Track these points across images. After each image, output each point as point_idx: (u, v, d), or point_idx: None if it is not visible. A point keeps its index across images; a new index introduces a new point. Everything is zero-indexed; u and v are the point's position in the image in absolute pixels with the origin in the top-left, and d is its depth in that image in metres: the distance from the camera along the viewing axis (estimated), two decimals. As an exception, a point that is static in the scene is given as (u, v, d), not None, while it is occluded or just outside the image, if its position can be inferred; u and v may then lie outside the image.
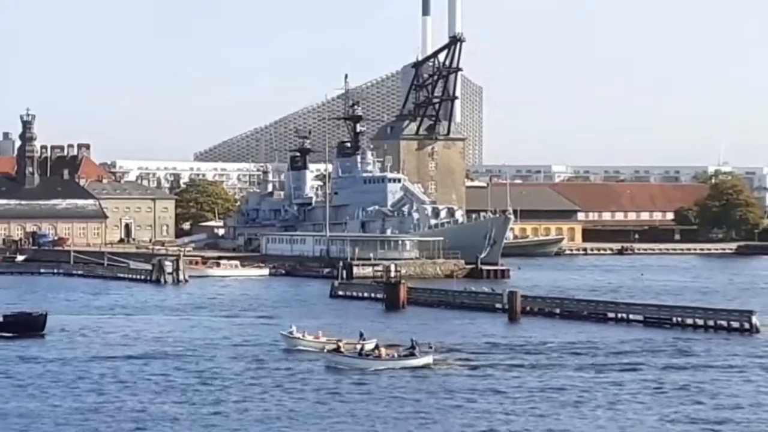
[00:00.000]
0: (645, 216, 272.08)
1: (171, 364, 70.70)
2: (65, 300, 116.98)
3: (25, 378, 65.98)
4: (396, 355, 69.30)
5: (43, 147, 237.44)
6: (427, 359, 68.66)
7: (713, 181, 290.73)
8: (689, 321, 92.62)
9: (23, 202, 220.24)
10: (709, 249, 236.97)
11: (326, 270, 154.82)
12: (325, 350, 73.08)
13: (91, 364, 70.85)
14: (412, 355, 68.75)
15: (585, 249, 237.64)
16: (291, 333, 79.40)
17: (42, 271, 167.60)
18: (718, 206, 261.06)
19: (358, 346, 70.58)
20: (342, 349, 70.77)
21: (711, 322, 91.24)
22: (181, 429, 51.64)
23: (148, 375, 66.42)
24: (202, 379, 65.08)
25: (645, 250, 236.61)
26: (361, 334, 73.26)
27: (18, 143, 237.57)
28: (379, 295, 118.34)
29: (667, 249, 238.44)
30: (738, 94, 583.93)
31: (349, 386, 63.05)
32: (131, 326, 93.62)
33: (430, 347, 70.34)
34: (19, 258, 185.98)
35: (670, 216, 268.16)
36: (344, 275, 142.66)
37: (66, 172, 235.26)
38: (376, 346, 70.20)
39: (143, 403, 57.65)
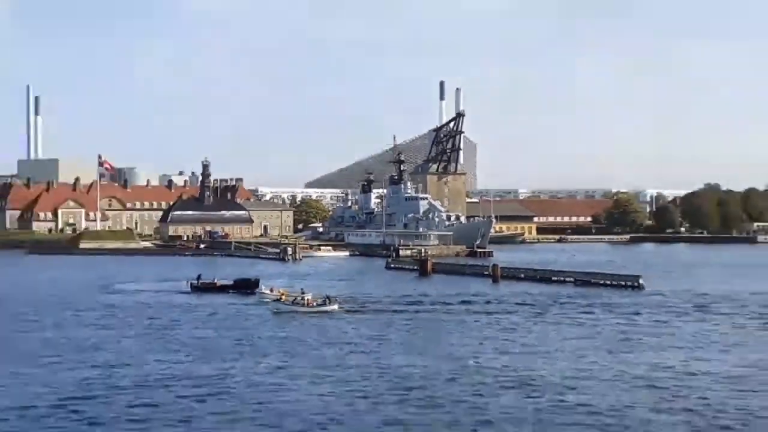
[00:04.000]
0: (574, 219, 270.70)
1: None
2: (231, 271, 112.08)
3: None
4: (315, 303, 67.63)
5: (215, 179, 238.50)
6: (334, 307, 67.21)
7: (615, 197, 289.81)
8: (602, 281, 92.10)
9: (203, 213, 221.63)
10: (613, 239, 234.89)
11: (384, 252, 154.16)
12: (270, 300, 70.42)
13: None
14: (325, 303, 67.52)
15: (538, 239, 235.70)
16: (261, 290, 75.89)
17: (215, 253, 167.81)
18: (618, 212, 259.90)
19: (296, 297, 68.68)
20: (282, 299, 69.18)
21: (615, 282, 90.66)
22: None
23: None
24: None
25: (574, 239, 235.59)
26: (302, 290, 71.53)
27: (200, 178, 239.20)
28: (415, 267, 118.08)
29: (588, 239, 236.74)
30: (632, 138, 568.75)
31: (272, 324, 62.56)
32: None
33: (337, 300, 69.00)
34: (202, 246, 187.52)
35: (589, 219, 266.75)
36: (394, 255, 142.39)
37: (229, 194, 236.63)
38: (300, 297, 68.23)
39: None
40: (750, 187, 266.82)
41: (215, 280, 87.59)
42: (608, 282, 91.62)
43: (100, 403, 35.40)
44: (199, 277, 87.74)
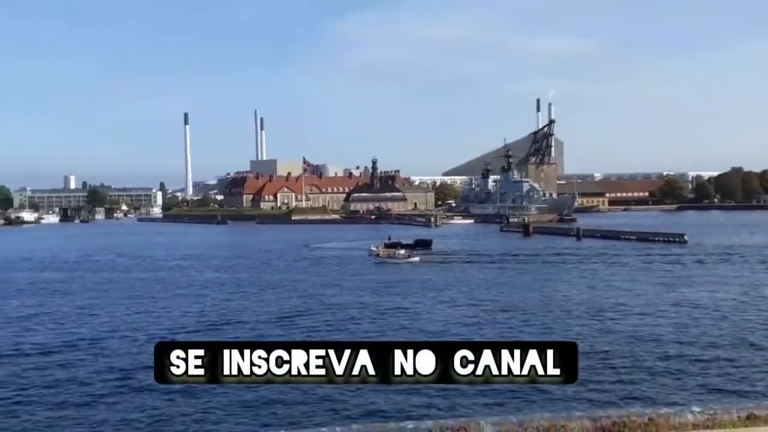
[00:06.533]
0: (636, 194, 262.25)
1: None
2: (396, 232, 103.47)
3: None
4: (405, 255, 67.85)
5: (381, 171, 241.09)
6: (416, 259, 66.81)
7: (666, 178, 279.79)
8: (657, 238, 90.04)
9: (373, 194, 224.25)
10: (664, 208, 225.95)
11: (498, 220, 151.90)
12: (375, 254, 70.97)
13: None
14: (410, 256, 67.58)
15: (609, 209, 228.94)
16: (370, 248, 74.81)
17: (381, 222, 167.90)
18: (668, 189, 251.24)
19: (389, 253, 69.04)
20: (380, 254, 69.61)
21: (666, 239, 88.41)
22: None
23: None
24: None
25: (636, 209, 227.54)
26: (400, 246, 72.21)
27: (371, 170, 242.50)
28: (520, 230, 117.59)
29: (645, 208, 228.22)
30: (679, 133, 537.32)
31: (379, 267, 62.79)
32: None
33: (417, 254, 68.76)
34: (372, 217, 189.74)
35: (646, 194, 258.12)
36: (506, 222, 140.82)
37: (390, 181, 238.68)
38: (394, 252, 68.81)
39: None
40: (765, 169, 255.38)
41: (401, 240, 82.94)
42: (661, 239, 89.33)
43: (305, 316, 36.90)
44: (389, 238, 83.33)
